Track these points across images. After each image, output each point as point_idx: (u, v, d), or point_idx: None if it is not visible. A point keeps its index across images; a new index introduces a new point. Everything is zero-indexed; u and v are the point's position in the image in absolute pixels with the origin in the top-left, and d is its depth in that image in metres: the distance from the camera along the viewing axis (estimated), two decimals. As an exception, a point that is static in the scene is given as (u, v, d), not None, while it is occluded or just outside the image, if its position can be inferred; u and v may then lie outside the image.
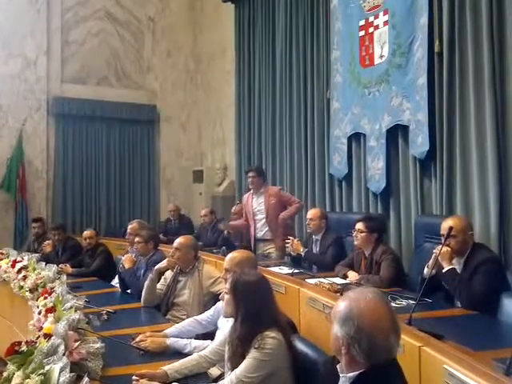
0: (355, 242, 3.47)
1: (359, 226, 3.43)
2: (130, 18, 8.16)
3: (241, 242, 5.03)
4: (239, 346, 1.98)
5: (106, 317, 2.92)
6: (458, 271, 2.76)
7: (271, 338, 1.94)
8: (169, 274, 3.40)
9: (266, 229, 4.75)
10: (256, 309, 1.99)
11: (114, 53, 8.03)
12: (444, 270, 2.76)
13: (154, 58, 8.31)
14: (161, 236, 5.39)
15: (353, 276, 3.38)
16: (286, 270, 3.77)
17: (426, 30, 3.72)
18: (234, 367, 1.99)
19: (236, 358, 1.99)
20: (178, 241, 3.38)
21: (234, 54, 7.10)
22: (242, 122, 6.86)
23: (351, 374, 1.38)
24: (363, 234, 3.39)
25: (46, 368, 1.64)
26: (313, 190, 5.39)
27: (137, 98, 8.10)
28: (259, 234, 4.78)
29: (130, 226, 4.47)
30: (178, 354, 2.35)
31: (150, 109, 8.18)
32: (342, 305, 1.41)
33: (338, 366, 1.44)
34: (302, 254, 4.08)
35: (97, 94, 7.75)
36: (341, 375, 1.43)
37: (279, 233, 4.64)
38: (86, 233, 4.96)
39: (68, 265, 4.64)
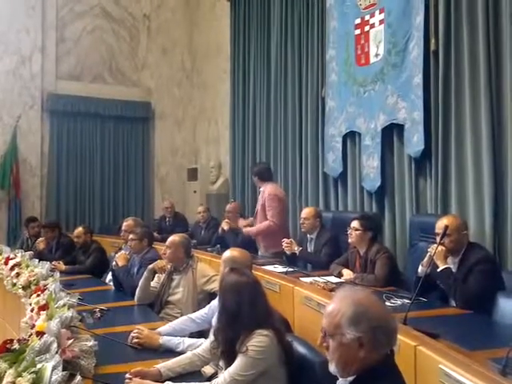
0: (349, 240, 3.47)
1: (354, 224, 3.42)
2: (125, 15, 8.12)
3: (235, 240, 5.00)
4: (227, 345, 1.97)
5: (99, 314, 2.90)
6: (453, 270, 2.77)
7: (264, 336, 1.94)
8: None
9: None
10: (241, 309, 1.98)
11: (109, 50, 7.99)
12: (439, 270, 2.76)
13: (149, 55, 8.27)
14: (155, 234, 5.38)
15: (347, 274, 3.37)
16: (280, 268, 3.76)
17: (421, 29, 3.72)
18: (227, 366, 1.98)
19: (228, 357, 1.99)
20: (170, 239, 3.41)
21: (229, 52, 7.08)
22: (237, 120, 6.84)
23: (351, 378, 1.37)
24: (358, 232, 3.39)
25: (38, 366, 1.62)
26: (307, 188, 5.38)
27: (132, 96, 8.06)
28: None
29: (125, 223, 4.45)
30: (172, 351, 2.34)
31: (145, 106, 8.15)
32: (342, 307, 1.39)
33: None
34: (297, 252, 4.06)
35: (91, 90, 7.71)
36: (340, 379, 1.41)
37: (259, 240, 4.66)
38: (76, 231, 5.01)
39: (61, 262, 4.62)
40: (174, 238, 3.42)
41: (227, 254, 2.78)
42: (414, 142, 3.82)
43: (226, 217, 5.30)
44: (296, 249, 4.07)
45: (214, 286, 3.18)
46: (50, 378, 1.54)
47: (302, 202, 5.39)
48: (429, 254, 2.86)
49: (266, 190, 4.65)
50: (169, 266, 3.35)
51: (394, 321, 1.42)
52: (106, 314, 2.96)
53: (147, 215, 7.96)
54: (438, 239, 2.81)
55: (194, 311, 2.88)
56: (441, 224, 2.81)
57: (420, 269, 2.93)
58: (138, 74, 8.24)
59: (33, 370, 1.60)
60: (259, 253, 4.68)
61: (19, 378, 1.59)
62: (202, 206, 6.19)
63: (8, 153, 7.04)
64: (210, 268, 3.50)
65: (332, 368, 1.40)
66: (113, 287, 3.88)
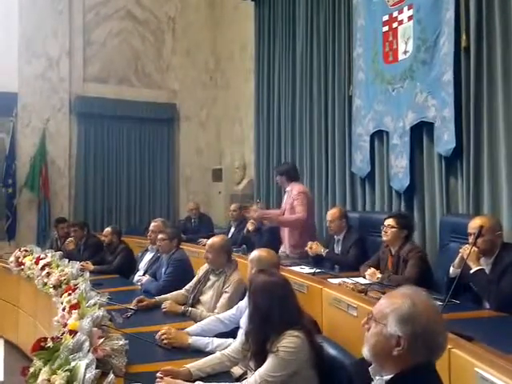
0: (384, 238, 3.39)
1: (390, 221, 3.35)
2: (150, 18, 8.20)
3: (260, 240, 4.97)
4: (259, 346, 1.96)
5: (128, 314, 2.94)
6: (487, 272, 2.69)
7: (294, 336, 1.93)
8: (203, 269, 3.39)
9: None
10: (273, 309, 1.97)
11: (134, 52, 8.09)
12: (472, 271, 2.69)
13: (173, 57, 8.34)
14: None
15: (371, 273, 3.26)
16: (307, 269, 3.73)
17: (452, 25, 3.62)
18: (257, 366, 1.97)
19: (259, 357, 1.98)
20: (210, 242, 3.31)
21: (253, 52, 7.08)
22: (262, 120, 6.83)
23: (388, 377, 1.34)
24: (394, 230, 3.31)
25: (72, 364, 1.64)
26: (333, 188, 5.32)
27: (157, 97, 8.14)
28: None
29: (153, 224, 4.46)
30: (202, 351, 2.34)
31: (170, 108, 8.22)
32: (398, 302, 1.36)
33: (370, 369, 1.40)
34: (323, 254, 4.01)
35: (118, 93, 7.82)
36: (376, 378, 1.39)
37: (287, 240, 4.58)
38: (105, 230, 5.15)
39: (89, 262, 4.68)
40: (213, 241, 3.30)
41: (254, 253, 2.77)
42: (445, 141, 3.73)
43: (251, 217, 5.29)
44: (322, 250, 4.02)
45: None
46: (84, 375, 1.55)
47: (329, 202, 5.33)
48: (460, 254, 2.79)
49: (294, 188, 4.59)
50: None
51: (445, 339, 1.36)
52: (135, 313, 2.99)
53: (172, 216, 8.03)
54: (470, 239, 2.74)
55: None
56: (474, 224, 2.74)
57: (451, 270, 2.86)
58: (162, 76, 8.32)
59: (67, 367, 1.62)
60: (280, 250, 4.63)
61: (54, 376, 1.61)
62: (235, 204, 6.08)
63: (37, 155, 7.18)
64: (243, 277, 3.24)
65: (365, 351, 1.40)
66: (140, 287, 3.92)
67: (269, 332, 1.94)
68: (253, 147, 7.11)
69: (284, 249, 4.65)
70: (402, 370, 1.32)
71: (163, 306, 3.11)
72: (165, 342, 2.38)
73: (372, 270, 3.30)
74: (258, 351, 1.98)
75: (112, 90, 7.80)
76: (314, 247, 4.05)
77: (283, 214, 4.66)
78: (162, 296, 3.32)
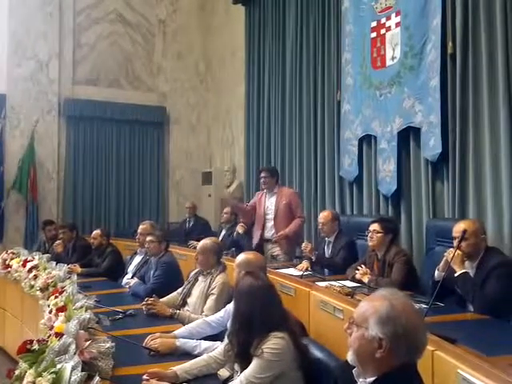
0: (370, 243, 3.42)
1: (375, 226, 3.38)
2: (141, 21, 8.21)
3: (249, 244, 4.98)
4: (241, 348, 1.97)
5: (115, 317, 2.93)
6: (471, 275, 2.73)
7: (279, 338, 1.93)
8: (193, 271, 3.38)
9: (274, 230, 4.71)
10: (254, 313, 1.98)
11: (124, 55, 8.09)
12: (456, 274, 2.72)
13: (164, 60, 8.35)
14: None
15: (363, 272, 3.27)
16: (295, 272, 3.74)
17: (439, 32, 3.69)
18: (242, 368, 1.98)
19: (243, 359, 1.99)
20: (200, 244, 3.32)
21: (244, 56, 7.11)
22: (252, 124, 6.86)
23: (371, 379, 1.36)
24: (379, 235, 3.34)
25: (58, 366, 1.64)
26: (322, 192, 5.36)
27: (147, 100, 8.14)
28: (268, 234, 4.71)
29: (141, 227, 4.45)
30: (188, 354, 2.34)
31: (160, 111, 8.22)
32: (377, 305, 1.38)
33: (353, 372, 1.42)
34: (313, 258, 4.02)
35: (107, 95, 7.81)
36: (360, 380, 1.40)
37: (283, 244, 4.59)
38: (93, 232, 5.09)
39: (77, 265, 4.66)
40: (204, 243, 3.30)
41: (241, 257, 2.77)
42: (431, 146, 3.79)
43: (241, 220, 5.30)
44: (312, 255, 4.02)
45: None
46: (70, 378, 1.56)
47: (318, 205, 5.37)
48: (445, 258, 2.83)
49: (284, 190, 4.72)
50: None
51: (425, 338, 1.38)
52: (122, 316, 2.98)
53: (162, 219, 8.03)
54: (455, 243, 2.78)
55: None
56: (458, 228, 2.77)
57: (436, 273, 2.89)
58: (153, 79, 8.32)
59: (52, 370, 1.62)
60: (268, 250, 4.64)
61: (39, 378, 1.61)
62: (227, 208, 5.94)
63: (25, 157, 7.16)
64: (229, 279, 3.24)
65: (349, 356, 1.42)
66: (128, 289, 3.91)
67: (250, 335, 1.94)
68: (243, 151, 7.14)
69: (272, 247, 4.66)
70: (384, 372, 1.34)
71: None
72: (153, 347, 2.37)
73: (365, 269, 3.31)
74: (240, 353, 1.98)
75: (102, 92, 7.79)
76: (309, 249, 4.04)
77: (275, 216, 4.65)
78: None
